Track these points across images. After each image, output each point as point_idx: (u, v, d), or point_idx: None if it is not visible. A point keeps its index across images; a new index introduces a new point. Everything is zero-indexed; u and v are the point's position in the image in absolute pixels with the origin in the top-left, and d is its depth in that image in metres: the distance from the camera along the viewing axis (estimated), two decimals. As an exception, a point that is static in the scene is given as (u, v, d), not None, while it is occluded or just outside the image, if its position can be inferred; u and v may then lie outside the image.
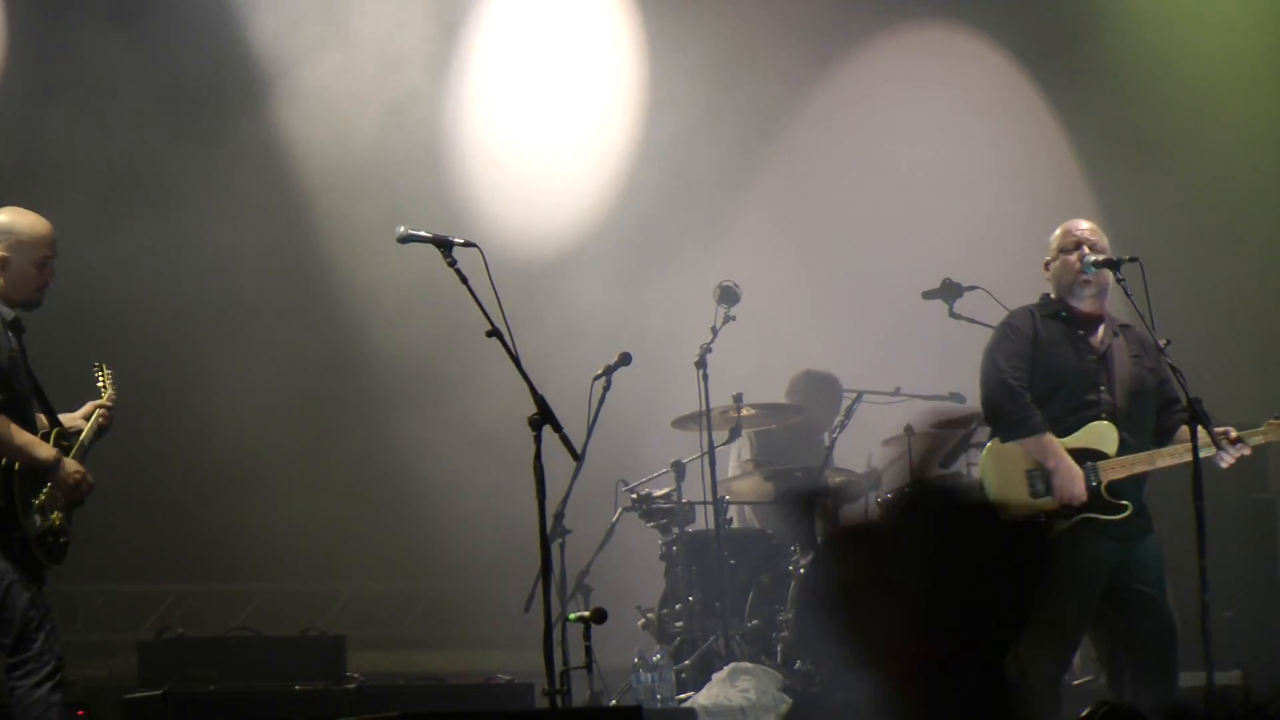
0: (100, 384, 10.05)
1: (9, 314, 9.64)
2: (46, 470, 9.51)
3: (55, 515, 9.53)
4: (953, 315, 11.90)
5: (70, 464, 9.58)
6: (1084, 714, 5.58)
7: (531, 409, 9.10)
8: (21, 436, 9.49)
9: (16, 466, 9.46)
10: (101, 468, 9.80)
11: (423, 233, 9.58)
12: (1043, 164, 15.37)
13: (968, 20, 15.56)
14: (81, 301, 11.77)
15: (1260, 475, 12.64)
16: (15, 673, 9.50)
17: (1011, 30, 15.50)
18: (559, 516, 11.46)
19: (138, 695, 11.15)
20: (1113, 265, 9.91)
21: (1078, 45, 15.38)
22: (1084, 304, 10.02)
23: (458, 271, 9.35)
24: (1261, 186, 14.77)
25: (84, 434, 9.79)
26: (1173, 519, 10.07)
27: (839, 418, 12.92)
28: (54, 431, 9.70)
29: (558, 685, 9.24)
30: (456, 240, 9.49)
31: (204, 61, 14.50)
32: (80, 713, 10.92)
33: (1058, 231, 10.15)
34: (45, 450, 9.54)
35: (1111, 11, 15.38)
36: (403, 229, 9.61)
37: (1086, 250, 9.96)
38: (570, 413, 9.56)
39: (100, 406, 9.92)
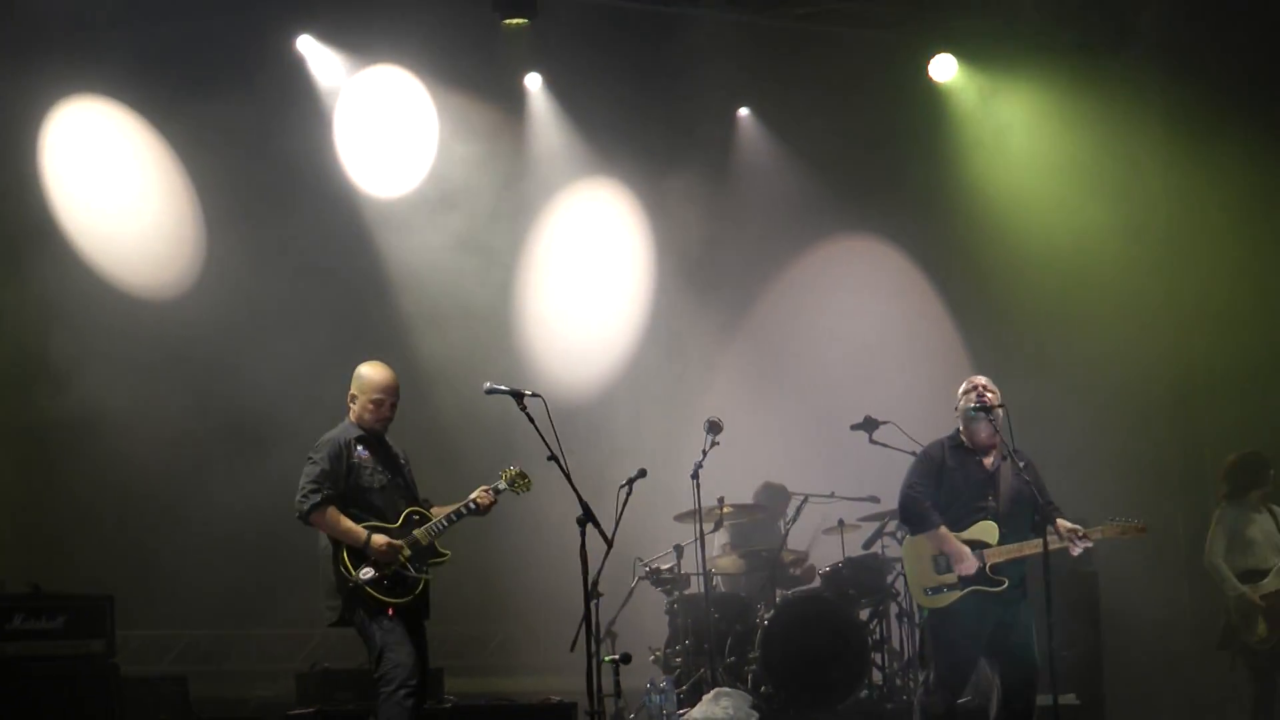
0: (501, 476, 9.75)
1: (355, 432, 9.46)
2: (360, 547, 9.27)
3: (387, 570, 9.29)
4: (872, 442, 11.95)
5: (376, 539, 9.26)
6: None
7: (578, 510, 9.14)
8: (342, 523, 9.28)
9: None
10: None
11: (503, 387, 9.31)
12: (932, 334, 15.29)
13: (879, 232, 15.47)
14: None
15: (1087, 554, 12.46)
16: (379, 683, 9.29)
17: (910, 238, 15.47)
18: (595, 583, 11.17)
19: (297, 712, 11.06)
20: (985, 409, 9.91)
21: (960, 248, 15.31)
22: (978, 435, 10.03)
23: (527, 415, 9.16)
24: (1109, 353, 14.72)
25: (437, 518, 9.53)
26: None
27: (790, 514, 12.88)
28: (406, 510, 9.50)
29: (598, 707, 9.17)
30: (527, 392, 9.26)
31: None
32: None
33: (964, 383, 10.15)
34: (356, 534, 9.27)
35: (982, 222, 15.23)
36: (488, 384, 9.33)
37: (974, 397, 9.99)
38: (602, 510, 9.45)
39: (485, 489, 9.65)
